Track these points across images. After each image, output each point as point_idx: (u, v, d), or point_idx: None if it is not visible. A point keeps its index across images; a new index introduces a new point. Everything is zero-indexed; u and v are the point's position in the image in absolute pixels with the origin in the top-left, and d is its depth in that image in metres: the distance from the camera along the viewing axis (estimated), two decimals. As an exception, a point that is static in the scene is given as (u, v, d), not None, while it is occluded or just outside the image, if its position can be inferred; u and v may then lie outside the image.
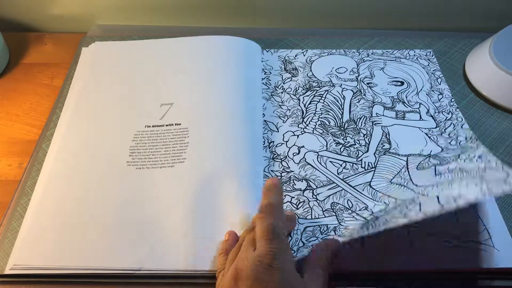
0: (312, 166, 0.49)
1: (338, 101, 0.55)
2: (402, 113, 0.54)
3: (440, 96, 0.56)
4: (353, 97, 0.56)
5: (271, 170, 0.48)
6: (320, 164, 0.49)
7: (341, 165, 0.49)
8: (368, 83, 0.58)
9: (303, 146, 0.51)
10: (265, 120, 0.53)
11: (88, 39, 0.64)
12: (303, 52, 0.62)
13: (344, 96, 0.56)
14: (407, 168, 0.48)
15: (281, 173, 0.48)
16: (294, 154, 0.50)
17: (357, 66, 0.60)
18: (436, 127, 0.52)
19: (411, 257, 0.41)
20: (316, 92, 0.56)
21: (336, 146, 0.50)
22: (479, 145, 0.46)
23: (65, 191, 0.46)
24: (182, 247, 0.41)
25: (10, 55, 0.63)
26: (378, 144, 0.51)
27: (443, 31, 0.68)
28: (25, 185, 0.48)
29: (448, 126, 0.52)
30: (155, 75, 0.57)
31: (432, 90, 0.57)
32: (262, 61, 0.61)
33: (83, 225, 0.43)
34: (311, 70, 0.59)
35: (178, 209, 0.44)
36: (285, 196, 0.46)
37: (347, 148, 0.50)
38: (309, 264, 0.37)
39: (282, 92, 0.57)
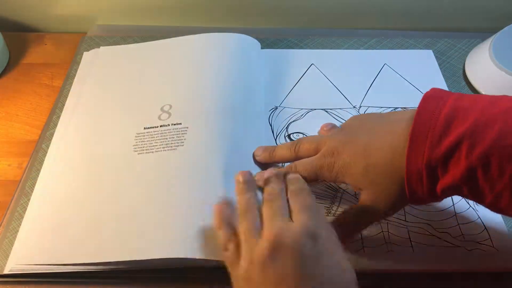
0: None
1: None
2: None
3: None
4: None
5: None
6: None
7: None
8: None
9: None
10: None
11: (88, 39, 0.64)
12: None
13: None
14: None
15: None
16: None
17: None
18: None
19: (411, 257, 0.42)
20: None
21: None
22: None
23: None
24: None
25: (10, 55, 0.63)
26: None
27: (443, 31, 0.68)
28: (25, 185, 0.48)
29: None
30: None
31: None
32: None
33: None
34: None
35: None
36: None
37: None
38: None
39: None
